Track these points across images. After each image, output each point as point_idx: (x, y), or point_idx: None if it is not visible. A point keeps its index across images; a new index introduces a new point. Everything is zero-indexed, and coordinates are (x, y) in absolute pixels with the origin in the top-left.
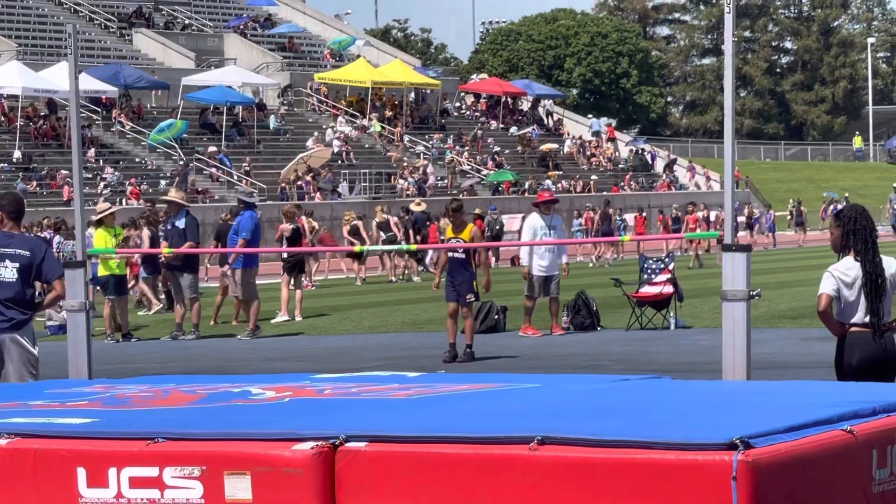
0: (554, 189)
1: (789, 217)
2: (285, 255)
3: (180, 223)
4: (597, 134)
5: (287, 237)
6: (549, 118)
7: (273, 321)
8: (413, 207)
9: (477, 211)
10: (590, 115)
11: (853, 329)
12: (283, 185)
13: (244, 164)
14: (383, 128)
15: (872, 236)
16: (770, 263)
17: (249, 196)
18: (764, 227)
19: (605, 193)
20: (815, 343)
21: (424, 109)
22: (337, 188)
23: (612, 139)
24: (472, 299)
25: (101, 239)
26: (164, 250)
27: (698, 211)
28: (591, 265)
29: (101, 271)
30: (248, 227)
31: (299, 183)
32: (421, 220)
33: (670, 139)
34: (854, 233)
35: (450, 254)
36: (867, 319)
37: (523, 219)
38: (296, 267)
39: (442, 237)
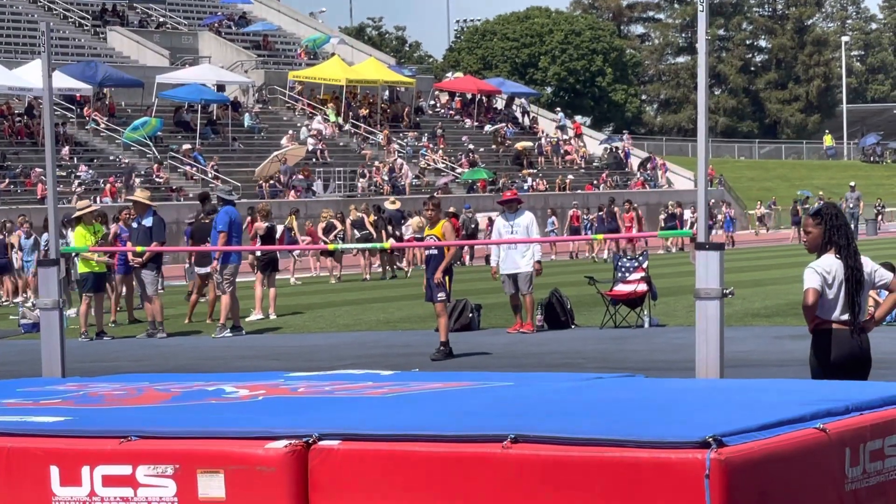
0: (528, 185)
1: (759, 215)
2: (259, 254)
3: (147, 222)
4: (562, 128)
5: (261, 235)
6: (525, 116)
7: (247, 319)
8: (388, 206)
9: (451, 209)
10: (557, 109)
11: (831, 326)
12: (261, 181)
13: (211, 163)
14: (354, 125)
15: (851, 234)
16: (744, 262)
17: (229, 193)
18: (720, 225)
19: (578, 192)
20: (788, 341)
21: (399, 107)
22: (311, 186)
23: (578, 135)
24: (444, 297)
25: (80, 237)
26: (139, 248)
27: (677, 210)
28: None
29: (81, 268)
30: (224, 220)
31: (271, 182)
32: (396, 217)
33: (645, 137)
34: (837, 229)
35: (426, 251)
36: (844, 317)
37: (490, 219)
38: (269, 265)
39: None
